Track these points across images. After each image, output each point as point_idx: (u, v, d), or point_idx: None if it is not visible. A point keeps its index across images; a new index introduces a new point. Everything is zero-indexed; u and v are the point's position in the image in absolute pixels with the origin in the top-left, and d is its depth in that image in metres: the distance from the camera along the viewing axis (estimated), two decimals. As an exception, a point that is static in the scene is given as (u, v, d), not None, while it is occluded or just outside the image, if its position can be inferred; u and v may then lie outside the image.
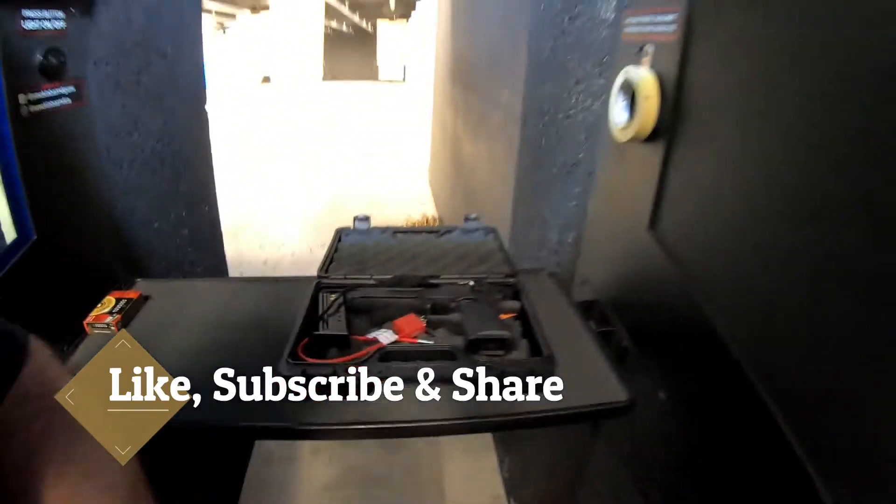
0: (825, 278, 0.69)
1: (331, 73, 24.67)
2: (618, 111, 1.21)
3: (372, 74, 22.85)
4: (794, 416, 0.75)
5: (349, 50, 26.10)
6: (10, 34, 1.29)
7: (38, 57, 1.37)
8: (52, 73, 1.41)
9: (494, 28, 3.09)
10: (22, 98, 1.33)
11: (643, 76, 1.12)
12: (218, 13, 13.10)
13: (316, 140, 11.64)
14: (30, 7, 1.34)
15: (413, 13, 14.40)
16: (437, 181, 6.73)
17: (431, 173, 7.57)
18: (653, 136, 1.14)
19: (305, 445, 2.75)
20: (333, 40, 22.14)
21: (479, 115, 3.51)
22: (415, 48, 15.45)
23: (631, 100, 1.16)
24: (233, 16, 13.57)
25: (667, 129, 1.10)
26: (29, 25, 1.34)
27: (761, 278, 0.84)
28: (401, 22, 17.32)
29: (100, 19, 1.63)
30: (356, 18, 15.14)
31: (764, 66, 0.83)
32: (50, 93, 1.42)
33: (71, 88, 1.50)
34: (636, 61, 1.21)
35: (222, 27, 19.27)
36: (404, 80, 21.38)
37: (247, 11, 11.73)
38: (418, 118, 12.28)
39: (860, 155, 0.63)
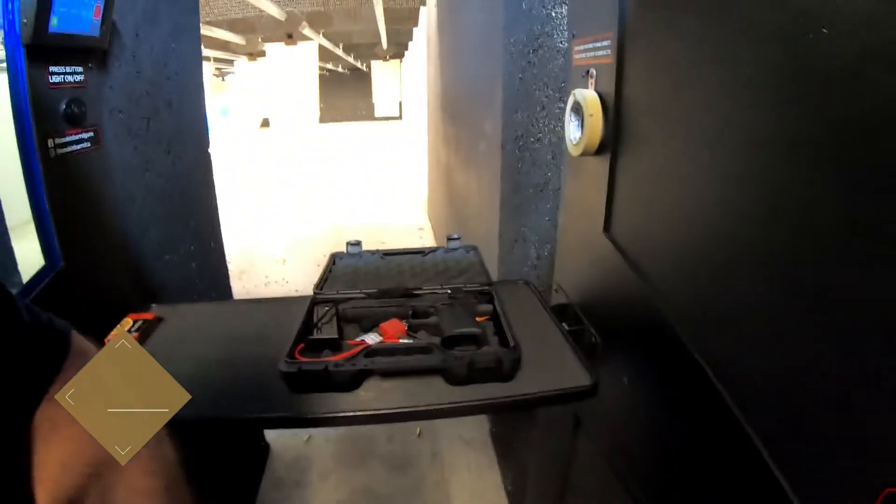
0: (746, 267, 0.80)
1: (328, 115, 24.91)
2: (571, 129, 1.35)
3: (368, 113, 23.11)
4: (737, 395, 0.83)
5: (345, 90, 26.34)
6: (40, 88, 1.47)
7: (63, 106, 1.55)
8: (75, 121, 1.59)
9: (475, 63, 3.24)
10: (50, 142, 1.50)
11: (588, 96, 1.27)
12: (216, 60, 13.37)
13: (317, 180, 11.80)
14: (55, 64, 1.52)
15: (406, 52, 14.67)
16: (435, 211, 6.86)
17: (429, 204, 7.70)
18: (601, 149, 1.27)
19: (313, 470, 2.86)
20: (329, 81, 22.42)
21: (468, 146, 3.64)
22: (409, 86, 15.70)
23: (581, 118, 1.30)
24: (231, 62, 13.84)
25: (611, 142, 1.23)
26: (54, 80, 1.52)
27: (698, 269, 0.94)
28: (394, 61, 17.58)
29: (113, 73, 1.81)
30: (351, 59, 15.40)
31: (680, 79, 0.96)
32: (73, 137, 1.59)
33: (90, 134, 1.67)
34: (584, 84, 1.35)
35: (221, 74, 19.61)
36: (401, 117, 21.63)
37: (244, 59, 11.96)
38: (416, 152, 12.45)
39: (768, 153, 0.74)
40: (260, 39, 9.44)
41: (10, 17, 1.41)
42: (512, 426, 2.50)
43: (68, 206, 1.58)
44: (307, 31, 7.87)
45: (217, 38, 8.71)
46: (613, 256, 1.25)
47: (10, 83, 1.43)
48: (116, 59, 1.82)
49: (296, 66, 7.83)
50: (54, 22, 1.44)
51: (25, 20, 1.39)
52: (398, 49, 14.56)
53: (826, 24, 0.60)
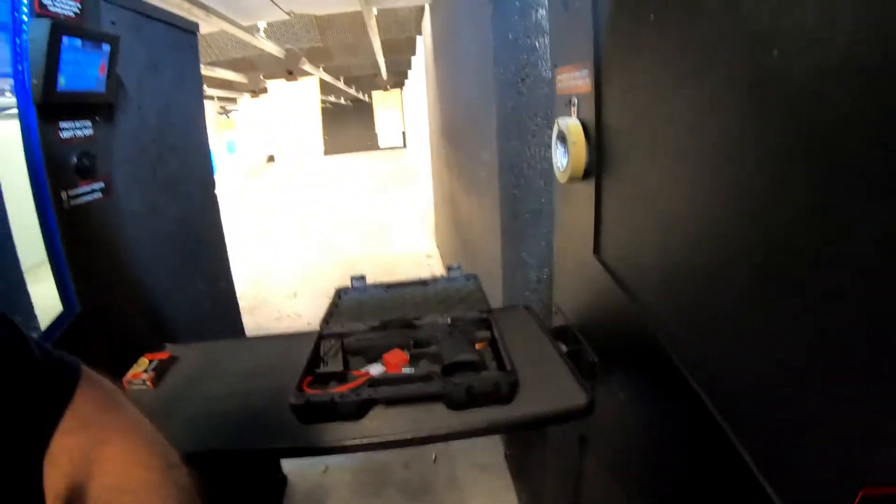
0: (725, 282, 0.84)
1: (333, 147, 25.05)
2: (558, 156, 1.41)
3: (373, 143, 23.24)
4: (721, 406, 0.87)
5: (349, 121, 26.47)
6: (51, 143, 1.54)
7: (74, 160, 1.62)
8: (86, 173, 1.66)
9: (471, 92, 3.29)
10: (64, 195, 1.57)
11: (571, 125, 1.32)
12: (220, 98, 13.54)
13: (324, 212, 11.89)
14: (65, 119, 1.60)
15: (406, 80, 14.81)
16: (442, 238, 6.91)
17: (437, 231, 7.75)
18: (586, 175, 1.33)
19: (330, 500, 2.87)
20: (332, 113, 22.58)
21: (470, 174, 3.69)
22: (411, 114, 15.83)
23: (566, 146, 1.35)
24: (234, 100, 14.01)
25: (594, 167, 1.29)
26: (65, 134, 1.60)
27: (679, 287, 0.99)
28: (395, 91, 17.72)
29: (120, 124, 1.88)
30: (352, 91, 15.56)
31: (650, 103, 1.01)
32: (85, 189, 1.66)
33: (101, 184, 1.74)
34: (567, 112, 1.41)
35: (225, 111, 19.83)
36: (405, 145, 21.76)
37: (247, 96, 12.13)
38: (421, 180, 12.53)
39: (734, 172, 0.79)
40: (262, 76, 9.56)
41: (22, 78, 1.48)
42: (524, 449, 2.53)
43: (83, 254, 1.64)
44: (307, 67, 7.99)
45: (219, 78, 8.84)
46: (603, 277, 1.30)
47: (23, 140, 1.50)
48: (122, 110, 1.90)
49: (298, 101, 7.95)
50: (62, 81, 1.52)
51: (36, 81, 1.46)
52: (398, 78, 14.69)
53: (777, 47, 0.66)
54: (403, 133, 19.92)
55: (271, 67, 7.87)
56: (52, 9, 1.53)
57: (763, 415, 0.77)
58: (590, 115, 1.29)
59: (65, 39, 1.50)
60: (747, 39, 0.71)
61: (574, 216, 1.48)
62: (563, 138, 1.37)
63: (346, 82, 13.52)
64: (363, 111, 23.29)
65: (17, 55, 1.48)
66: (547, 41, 1.73)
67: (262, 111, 10.61)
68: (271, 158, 17.04)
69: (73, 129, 1.63)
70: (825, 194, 0.61)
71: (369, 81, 14.90)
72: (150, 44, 2.10)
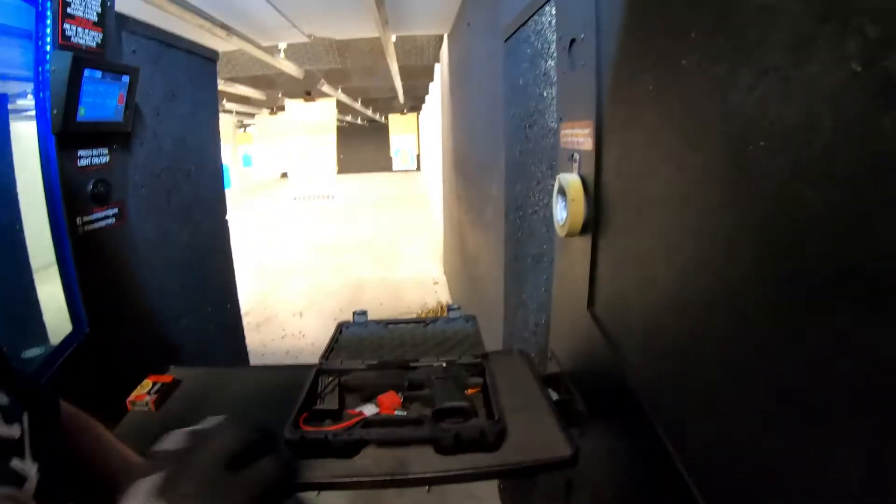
0: (703, 351, 0.86)
1: (346, 166, 25.12)
2: (558, 210, 1.44)
3: (387, 165, 23.34)
4: (688, 465, 0.90)
5: (364, 141, 26.62)
6: (69, 170, 1.59)
7: (90, 187, 1.67)
8: (101, 199, 1.71)
9: (482, 130, 3.34)
10: (79, 220, 1.62)
11: (571, 181, 1.35)
12: (238, 113, 13.68)
13: (335, 231, 11.95)
14: (83, 148, 1.65)
15: (423, 105, 14.91)
16: (449, 266, 6.94)
17: (444, 258, 7.78)
18: (583, 230, 1.35)
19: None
20: (348, 132, 22.72)
21: (478, 208, 3.73)
22: (426, 138, 15.91)
23: (566, 200, 1.39)
24: (252, 115, 14.14)
25: (592, 224, 1.32)
26: (82, 162, 1.65)
27: (661, 351, 1.01)
28: (411, 115, 17.81)
29: (136, 152, 1.93)
30: (369, 112, 15.67)
31: (644, 171, 1.04)
32: (99, 215, 1.71)
33: (115, 210, 1.79)
34: (569, 167, 1.44)
35: (243, 125, 20.01)
36: (418, 168, 21.84)
37: (265, 112, 12.23)
38: (432, 204, 12.58)
39: (717, 248, 0.82)
40: (280, 94, 9.66)
41: (43, 106, 1.54)
42: (517, 485, 2.54)
43: (95, 278, 1.69)
44: (326, 88, 8.06)
45: (238, 94, 8.93)
46: (594, 331, 1.32)
47: (42, 167, 1.56)
48: (139, 138, 1.95)
49: (314, 121, 8.01)
50: (82, 112, 1.57)
51: (56, 111, 1.52)
52: (415, 102, 14.79)
53: (762, 139, 0.69)
54: (417, 157, 19.99)
55: (290, 86, 7.96)
56: (74, 40, 1.59)
57: (727, 478, 0.80)
58: (590, 173, 1.32)
59: (86, 72, 1.55)
60: (736, 125, 0.74)
61: (571, 269, 1.51)
62: (563, 193, 1.40)
63: (364, 104, 13.63)
64: (379, 132, 23.42)
65: (40, 84, 1.54)
66: (554, 92, 1.76)
67: (278, 128, 10.69)
68: (285, 174, 17.13)
69: (91, 157, 1.68)
70: (792, 289, 0.64)
71: (386, 104, 14.99)
72: (169, 72, 2.16)
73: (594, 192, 1.31)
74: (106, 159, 1.75)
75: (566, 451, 1.29)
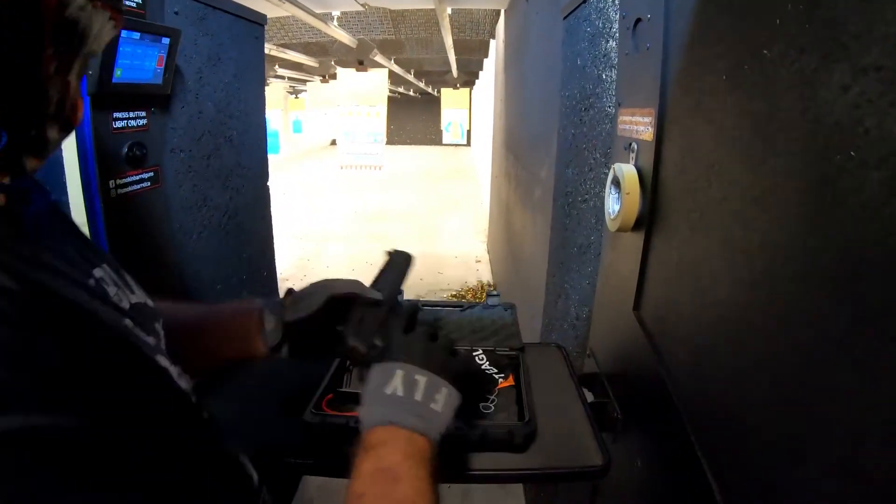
0: (757, 371, 0.78)
1: (397, 138, 25.18)
2: (611, 202, 1.35)
3: (437, 138, 23.31)
4: (725, 495, 0.84)
5: (415, 113, 26.67)
6: (103, 133, 1.55)
7: (125, 150, 1.63)
8: (136, 163, 1.66)
9: (536, 109, 3.26)
10: (111, 183, 1.58)
11: (627, 173, 1.26)
12: (290, 79, 13.73)
13: (380, 202, 11.95)
14: (119, 110, 1.60)
15: (476, 81, 14.78)
16: (493, 245, 6.88)
17: (489, 237, 7.72)
18: (636, 227, 1.27)
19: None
20: (400, 103, 22.74)
21: (526, 188, 3.65)
22: (478, 114, 15.80)
23: (620, 193, 1.29)
24: (304, 81, 14.18)
25: (646, 220, 1.23)
26: (118, 125, 1.60)
27: (709, 368, 0.94)
28: (464, 90, 17.70)
29: (176, 114, 1.89)
30: (422, 85, 15.60)
31: (711, 168, 0.95)
32: (133, 178, 1.67)
33: (150, 174, 1.75)
34: (625, 157, 1.35)
35: (295, 91, 20.11)
36: (468, 143, 21.76)
37: (317, 80, 12.24)
38: (480, 181, 12.48)
39: (785, 265, 0.73)
40: (333, 62, 9.64)
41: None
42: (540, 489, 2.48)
43: (127, 243, 1.65)
44: (378, 58, 8.01)
45: (290, 60, 8.94)
46: (639, 336, 1.24)
47: (75, 130, 1.52)
48: (179, 101, 1.90)
49: (366, 91, 7.96)
50: (118, 73, 1.52)
51: (91, 71, 1.47)
52: (469, 77, 14.68)
53: (854, 149, 0.60)
54: (468, 132, 19.90)
55: (342, 54, 7.92)
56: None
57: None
58: (648, 165, 1.23)
59: (123, 32, 1.50)
60: (825, 130, 0.65)
61: (619, 266, 1.42)
62: (617, 184, 1.31)
63: (417, 76, 13.56)
64: (430, 104, 23.38)
65: (75, 43, 1.50)
66: (614, 75, 1.67)
67: (330, 96, 10.68)
68: (334, 142, 17.21)
69: (127, 120, 1.64)
70: (872, 325, 0.56)
71: (439, 78, 14.91)
72: (213, 35, 2.11)
73: (651, 187, 1.22)
74: (143, 122, 1.70)
75: (598, 460, 1.20)
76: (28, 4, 0.50)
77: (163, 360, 0.66)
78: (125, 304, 0.66)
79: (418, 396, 0.84)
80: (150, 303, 0.76)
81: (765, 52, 0.78)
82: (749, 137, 0.82)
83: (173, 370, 0.68)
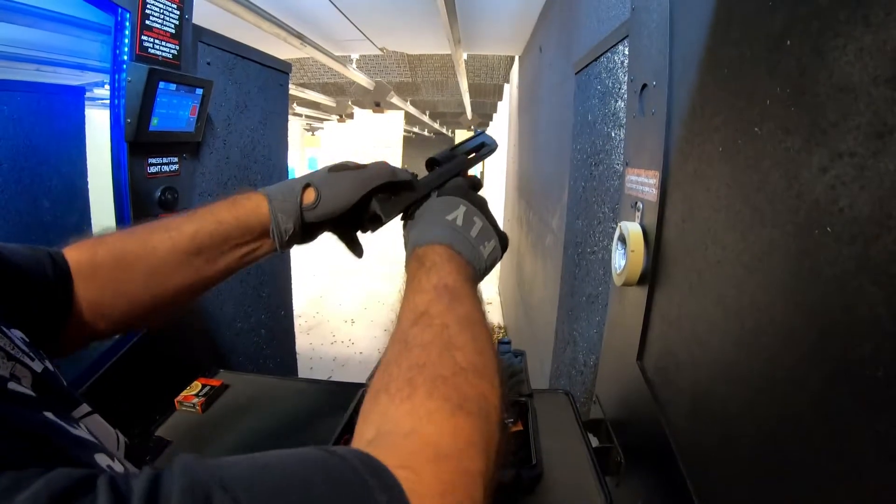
0: (755, 430, 0.83)
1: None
2: (617, 258, 1.41)
3: (450, 178, 23.39)
4: None
5: (429, 152, 26.75)
6: (138, 177, 1.64)
7: (158, 193, 1.71)
8: (168, 206, 1.75)
9: (548, 159, 3.32)
10: (145, 224, 1.67)
11: (632, 231, 1.33)
12: (308, 117, 13.94)
13: (392, 240, 12.02)
14: (153, 156, 1.69)
15: (490, 123, 14.93)
16: (504, 289, 6.92)
17: (500, 280, 7.76)
18: (640, 282, 1.32)
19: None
20: (414, 143, 22.92)
21: (537, 235, 3.71)
22: (492, 156, 15.89)
23: (625, 249, 1.36)
24: (321, 120, 14.39)
25: (649, 276, 1.29)
26: (152, 170, 1.70)
27: (704, 420, 0.99)
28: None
29: (205, 160, 1.98)
30: (436, 126, 15.78)
31: (708, 232, 1.01)
32: (164, 221, 1.76)
33: (180, 217, 1.83)
34: (631, 215, 1.42)
35: (311, 129, 20.39)
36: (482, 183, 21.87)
37: (334, 119, 12.44)
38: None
39: (775, 328, 0.79)
40: (350, 102, 9.81)
41: (117, 112, 1.59)
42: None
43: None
44: (395, 100, 8.16)
45: (308, 99, 9.11)
46: (642, 386, 1.30)
47: (113, 174, 1.61)
48: (208, 147, 2.00)
49: (382, 132, 8.11)
50: (154, 122, 1.62)
51: (130, 120, 1.56)
52: (483, 119, 14.84)
53: (829, 225, 0.66)
54: (481, 173, 20.01)
55: (360, 95, 8.09)
56: (151, 51, 1.64)
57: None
58: (652, 225, 1.29)
59: (160, 84, 1.60)
60: (806, 206, 0.72)
61: (623, 318, 1.48)
62: (623, 241, 1.38)
63: (432, 117, 13.73)
64: (445, 144, 23.51)
65: (115, 91, 1.59)
66: (622, 134, 1.74)
67: (346, 135, 10.86)
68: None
69: (161, 165, 1.73)
70: (843, 389, 0.62)
71: (454, 119, 15.08)
72: (241, 83, 2.21)
73: (654, 245, 1.28)
74: (175, 167, 1.79)
75: (600, 502, 1.26)
76: None
77: None
78: None
79: (474, 234, 0.87)
80: None
81: (756, 129, 0.85)
82: (741, 207, 0.89)
83: None
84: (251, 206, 0.95)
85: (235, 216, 0.93)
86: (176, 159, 1.79)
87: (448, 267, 0.77)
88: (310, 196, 0.96)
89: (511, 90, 7.30)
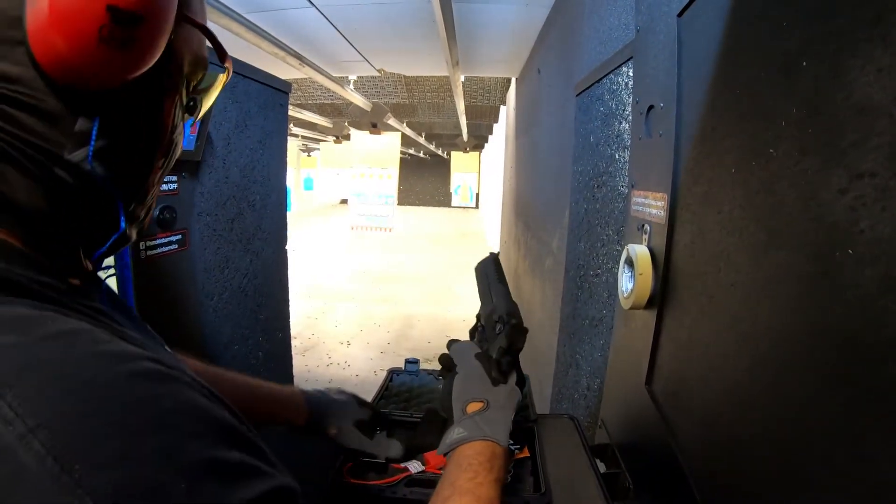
0: (765, 453, 0.82)
1: (406, 198, 25.38)
2: (624, 281, 1.40)
3: (446, 199, 23.51)
4: None
5: (425, 174, 26.94)
6: (138, 197, 1.62)
7: (156, 213, 1.70)
8: (166, 225, 1.73)
9: (548, 181, 3.32)
10: (142, 245, 1.65)
11: (640, 254, 1.31)
12: (304, 137, 13.99)
13: (390, 262, 12.02)
14: (153, 175, 1.68)
15: (486, 145, 15.01)
16: (501, 310, 6.88)
17: (498, 302, 7.73)
18: (648, 305, 1.31)
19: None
20: (410, 164, 23.03)
21: (536, 257, 3.70)
22: (487, 177, 15.98)
23: (633, 272, 1.34)
24: (316, 141, 14.45)
25: (658, 299, 1.27)
26: (157, 189, 1.68)
27: (721, 444, 0.96)
28: (473, 153, 17.93)
29: (204, 179, 1.96)
30: (432, 147, 15.84)
31: (720, 255, 1.00)
32: (162, 240, 1.73)
33: (178, 236, 1.81)
34: (638, 237, 1.40)
35: (307, 149, 20.45)
36: (477, 206, 21.95)
37: (331, 140, 12.48)
38: (490, 245, 12.55)
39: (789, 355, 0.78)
40: (346, 123, 9.84)
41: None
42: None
43: (153, 303, 1.71)
44: (391, 121, 8.18)
45: (305, 119, 9.14)
46: (651, 410, 1.28)
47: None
48: (208, 166, 1.98)
49: (378, 154, 8.12)
50: (157, 141, 1.60)
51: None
52: (478, 141, 14.93)
53: (850, 247, 0.65)
54: (477, 195, 20.09)
55: (356, 116, 8.11)
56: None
57: None
58: (660, 247, 1.28)
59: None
60: (824, 228, 0.70)
61: (631, 342, 1.46)
62: (630, 264, 1.36)
63: (428, 138, 13.80)
64: (440, 165, 23.71)
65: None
66: (626, 155, 1.73)
67: (343, 156, 10.87)
68: (344, 201, 17.42)
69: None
70: (866, 415, 0.60)
71: (449, 141, 15.16)
72: (241, 102, 2.20)
73: (663, 268, 1.27)
74: (174, 186, 1.78)
75: (608, 530, 1.24)
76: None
77: None
78: None
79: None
80: None
81: (771, 150, 0.84)
82: (755, 229, 0.88)
83: None
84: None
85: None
86: (175, 178, 1.78)
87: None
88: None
89: (507, 112, 7.34)
